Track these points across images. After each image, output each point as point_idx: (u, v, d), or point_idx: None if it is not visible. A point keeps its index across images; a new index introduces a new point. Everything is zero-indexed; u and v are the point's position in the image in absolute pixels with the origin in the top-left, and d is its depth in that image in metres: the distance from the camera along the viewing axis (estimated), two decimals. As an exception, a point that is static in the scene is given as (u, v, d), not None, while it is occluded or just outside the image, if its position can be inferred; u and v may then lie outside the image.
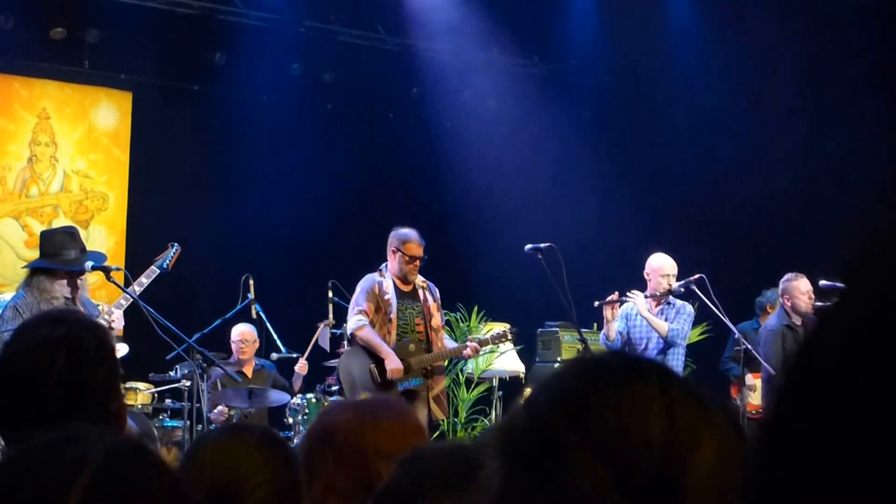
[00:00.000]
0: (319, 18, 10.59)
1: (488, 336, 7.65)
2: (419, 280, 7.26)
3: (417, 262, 7.16)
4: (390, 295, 7.07)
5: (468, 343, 7.42)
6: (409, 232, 7.19)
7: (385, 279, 7.12)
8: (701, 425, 1.08)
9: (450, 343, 7.51)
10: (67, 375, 2.10)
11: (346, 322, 7.33)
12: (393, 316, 7.06)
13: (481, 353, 7.99)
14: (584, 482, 1.04)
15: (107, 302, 6.72)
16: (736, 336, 7.72)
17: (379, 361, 6.96)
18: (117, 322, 6.09)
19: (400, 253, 7.12)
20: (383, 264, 7.22)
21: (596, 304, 7.47)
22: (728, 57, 10.21)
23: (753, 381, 8.36)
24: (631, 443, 1.05)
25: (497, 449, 1.11)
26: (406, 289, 7.20)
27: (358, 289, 7.13)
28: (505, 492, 1.08)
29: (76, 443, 1.09)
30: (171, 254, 6.43)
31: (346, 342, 7.85)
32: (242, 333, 8.39)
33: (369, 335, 6.96)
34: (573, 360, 1.17)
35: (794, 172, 9.91)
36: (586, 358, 1.17)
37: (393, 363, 6.91)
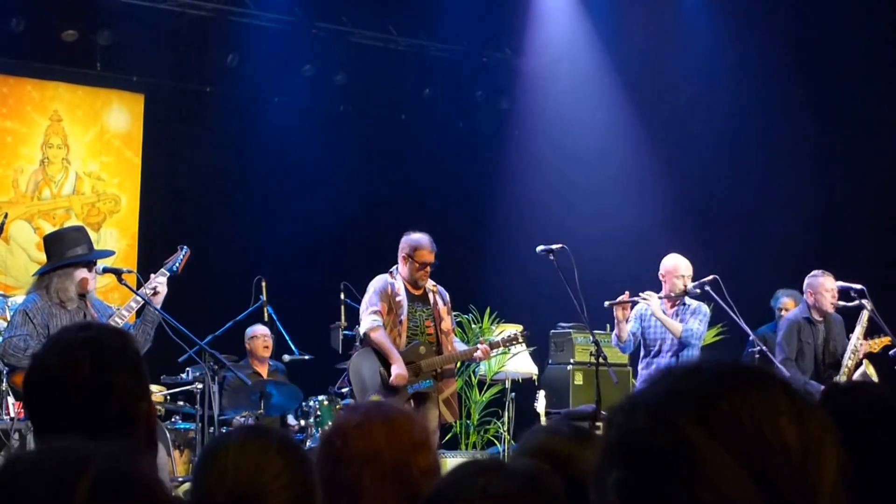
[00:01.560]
0: (331, 20, 10.58)
1: (499, 338, 7.62)
2: (429, 284, 7.23)
3: (428, 269, 7.14)
4: (401, 297, 7.05)
5: (479, 345, 7.39)
6: (420, 238, 7.15)
7: (396, 281, 7.10)
8: (824, 432, 1.07)
9: (460, 346, 7.49)
10: (92, 376, 2.15)
11: (358, 324, 7.30)
12: (403, 318, 7.03)
13: (492, 355, 7.95)
14: (730, 489, 1.01)
15: (119, 304, 6.71)
16: (751, 338, 7.68)
17: (389, 365, 6.94)
18: (161, 288, 6.12)
19: (411, 259, 7.10)
20: (394, 267, 7.19)
21: (606, 304, 7.43)
22: (741, 58, 10.15)
23: None
24: (769, 447, 1.03)
25: (613, 458, 1.07)
26: (416, 292, 7.18)
27: (370, 289, 7.10)
28: (636, 501, 1.05)
29: (78, 446, 1.10)
30: (181, 256, 6.40)
31: (357, 343, 7.83)
32: (260, 330, 8.48)
33: (382, 338, 6.93)
34: (676, 368, 1.13)
35: (809, 174, 9.86)
36: (703, 362, 1.14)
37: (398, 370, 6.88)
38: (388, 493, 2.06)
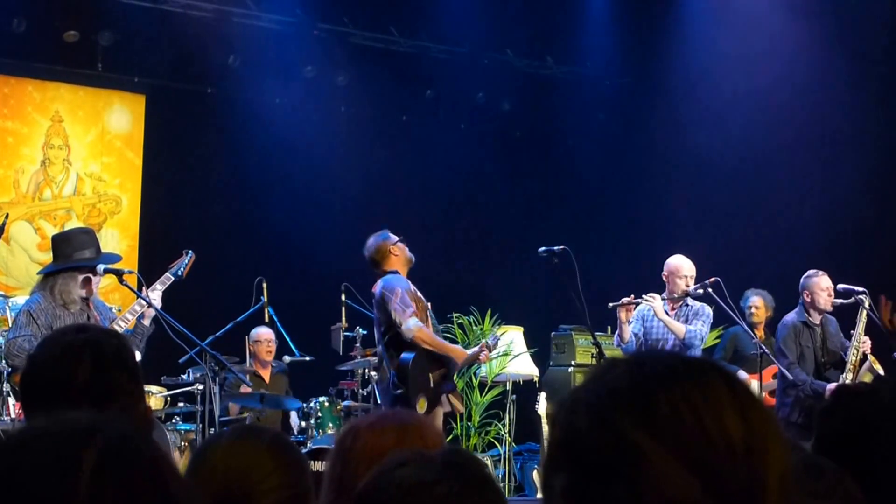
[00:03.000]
0: (333, 21, 10.57)
1: (497, 339, 7.54)
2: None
3: (408, 251, 7.13)
4: (421, 297, 7.00)
5: (481, 349, 7.31)
6: (387, 234, 7.06)
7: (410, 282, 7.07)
8: (768, 427, 1.06)
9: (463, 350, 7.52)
10: (92, 378, 2.16)
11: (362, 325, 7.28)
12: (429, 315, 6.98)
13: (490, 357, 7.91)
14: (675, 489, 1.00)
15: (120, 305, 6.71)
16: (754, 340, 7.71)
17: (434, 366, 6.79)
18: (156, 300, 6.11)
19: (400, 251, 6.97)
20: (389, 274, 7.13)
21: (610, 305, 7.42)
22: (742, 57, 10.14)
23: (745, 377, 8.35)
24: (712, 444, 1.02)
25: (559, 458, 1.06)
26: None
27: (396, 290, 6.74)
28: None
29: (85, 417, 1.10)
30: (186, 261, 6.42)
31: (357, 345, 7.83)
32: (263, 334, 8.47)
33: (430, 336, 6.76)
34: (616, 362, 1.11)
35: (810, 173, 9.85)
36: (640, 355, 1.12)
37: (463, 353, 7.00)
38: None
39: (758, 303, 8.59)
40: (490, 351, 7.41)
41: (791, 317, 7.83)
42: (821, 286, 7.66)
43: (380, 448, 2.06)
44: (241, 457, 1.97)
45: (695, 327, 7.36)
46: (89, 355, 2.18)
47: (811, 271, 7.76)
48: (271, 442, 2.03)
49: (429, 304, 7.04)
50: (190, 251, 6.47)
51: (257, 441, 2.02)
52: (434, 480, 1.59)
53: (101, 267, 6.12)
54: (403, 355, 6.73)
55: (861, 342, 7.61)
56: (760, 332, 8.45)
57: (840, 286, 7.68)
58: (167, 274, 6.31)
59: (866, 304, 7.58)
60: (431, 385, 6.76)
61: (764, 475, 1.03)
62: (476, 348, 7.35)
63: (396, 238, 6.96)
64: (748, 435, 1.03)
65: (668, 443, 1.00)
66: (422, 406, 6.52)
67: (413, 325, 6.65)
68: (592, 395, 1.06)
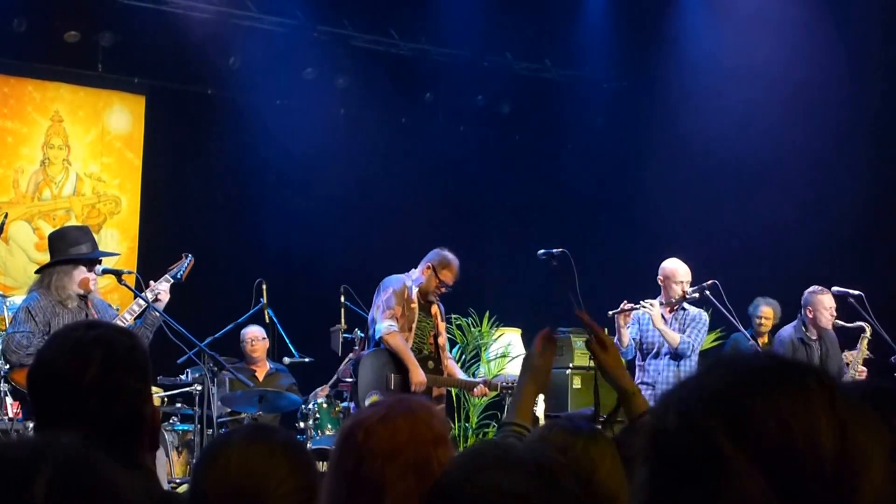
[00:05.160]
0: (333, 23, 10.58)
1: (498, 382, 7.56)
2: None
3: (444, 290, 7.19)
4: (415, 304, 7.06)
5: (479, 384, 7.40)
6: (453, 259, 7.22)
7: (412, 287, 7.12)
8: (873, 442, 0.99)
9: (461, 374, 7.56)
10: (101, 376, 2.11)
11: (361, 327, 7.31)
12: (414, 325, 7.05)
13: (487, 396, 7.94)
14: (749, 501, 0.97)
15: (119, 305, 6.71)
16: (750, 343, 7.72)
17: (401, 370, 6.92)
18: (164, 295, 6.12)
19: (434, 273, 7.12)
20: (412, 270, 7.21)
21: (610, 314, 7.45)
22: (737, 58, 10.15)
23: None
24: (800, 459, 0.97)
25: (646, 456, 1.05)
26: (423, 302, 7.22)
27: (387, 289, 7.02)
28: (662, 503, 1.02)
29: (35, 440, 1.07)
30: (185, 264, 6.44)
31: (356, 346, 7.83)
32: (249, 333, 8.47)
33: (401, 343, 6.93)
34: (724, 359, 1.08)
35: (808, 177, 9.86)
36: (739, 357, 1.08)
37: (419, 376, 6.92)
38: (410, 488, 2.04)
39: (768, 313, 8.52)
40: (490, 391, 7.47)
41: (788, 332, 7.82)
42: (824, 305, 7.65)
43: (396, 442, 2.07)
44: (256, 459, 1.94)
45: (690, 338, 7.38)
46: (99, 353, 2.14)
47: (815, 287, 7.74)
48: (285, 444, 2.00)
49: (441, 339, 7.15)
50: (189, 255, 6.48)
51: (271, 444, 1.98)
52: (525, 493, 1.51)
53: (99, 267, 6.13)
54: (366, 350, 6.98)
55: (858, 371, 7.61)
56: (765, 339, 8.43)
57: (834, 289, 7.69)
58: (166, 276, 6.32)
59: (868, 332, 7.57)
60: (392, 387, 6.86)
61: (850, 497, 0.96)
62: (476, 380, 7.46)
63: (442, 267, 7.08)
64: (842, 454, 0.97)
65: (753, 454, 0.97)
66: (374, 400, 6.59)
67: (385, 326, 6.85)
68: (684, 397, 1.04)
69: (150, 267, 7.70)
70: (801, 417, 0.98)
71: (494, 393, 8.50)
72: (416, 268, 7.28)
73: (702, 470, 0.99)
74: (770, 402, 0.99)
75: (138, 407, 2.18)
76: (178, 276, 6.39)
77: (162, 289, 6.19)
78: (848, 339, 7.79)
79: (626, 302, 7.46)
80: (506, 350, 9.29)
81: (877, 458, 0.99)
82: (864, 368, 7.63)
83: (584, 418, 7.76)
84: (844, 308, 7.73)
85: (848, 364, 7.66)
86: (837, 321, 7.68)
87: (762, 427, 0.98)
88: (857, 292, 7.64)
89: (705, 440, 0.99)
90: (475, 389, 7.36)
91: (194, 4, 9.86)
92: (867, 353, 7.64)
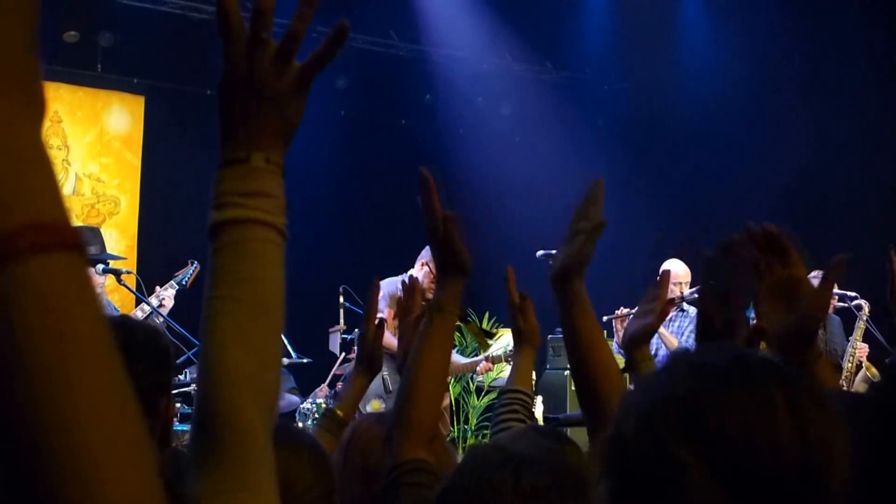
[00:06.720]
0: (332, 24, 10.54)
1: (502, 354, 7.58)
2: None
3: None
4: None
5: (482, 360, 7.38)
6: None
7: None
8: (833, 436, 0.97)
9: (460, 358, 7.52)
10: None
11: (357, 328, 7.28)
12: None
13: (493, 369, 7.94)
14: None
15: (119, 305, 6.71)
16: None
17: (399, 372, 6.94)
18: (168, 301, 6.12)
19: (429, 269, 7.11)
20: (411, 271, 7.23)
21: (605, 318, 7.46)
22: (738, 59, 10.16)
23: None
24: (762, 464, 0.94)
25: (607, 465, 1.02)
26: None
27: (381, 291, 7.06)
28: None
29: None
30: (191, 271, 6.45)
31: (355, 348, 7.80)
32: None
33: (387, 339, 6.91)
34: (679, 361, 1.05)
35: (807, 174, 9.86)
36: (700, 357, 1.04)
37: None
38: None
39: None
40: (493, 364, 7.45)
41: None
42: None
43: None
44: (284, 467, 1.92)
45: (689, 344, 7.38)
46: (119, 342, 2.13)
47: (815, 272, 7.74)
48: (310, 451, 1.97)
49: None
50: (196, 262, 6.48)
51: (298, 450, 1.95)
52: (553, 486, 1.50)
53: (99, 267, 6.13)
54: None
55: (857, 348, 7.60)
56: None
57: (834, 291, 7.68)
58: (171, 282, 6.33)
59: (865, 311, 7.57)
60: (391, 389, 6.88)
61: (817, 497, 0.95)
62: (478, 358, 7.42)
63: (426, 264, 7.07)
64: (803, 451, 0.95)
65: (712, 463, 0.94)
66: (374, 407, 6.58)
67: None
68: (643, 401, 1.01)
69: (149, 267, 7.71)
70: (761, 421, 0.96)
71: (501, 365, 8.55)
72: (413, 268, 7.29)
73: (663, 481, 0.96)
74: (729, 406, 0.97)
75: (153, 399, 2.15)
76: (184, 282, 6.40)
77: (167, 295, 6.18)
78: (851, 318, 7.75)
79: (622, 308, 7.47)
80: (505, 350, 9.28)
81: (836, 451, 0.97)
82: (865, 345, 7.61)
83: (581, 421, 7.78)
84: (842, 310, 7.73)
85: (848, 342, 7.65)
86: (837, 304, 7.67)
87: (722, 433, 0.95)
88: (854, 294, 7.63)
89: (664, 450, 0.96)
90: (479, 367, 7.31)
91: (193, 5, 9.87)
92: (865, 326, 7.60)
